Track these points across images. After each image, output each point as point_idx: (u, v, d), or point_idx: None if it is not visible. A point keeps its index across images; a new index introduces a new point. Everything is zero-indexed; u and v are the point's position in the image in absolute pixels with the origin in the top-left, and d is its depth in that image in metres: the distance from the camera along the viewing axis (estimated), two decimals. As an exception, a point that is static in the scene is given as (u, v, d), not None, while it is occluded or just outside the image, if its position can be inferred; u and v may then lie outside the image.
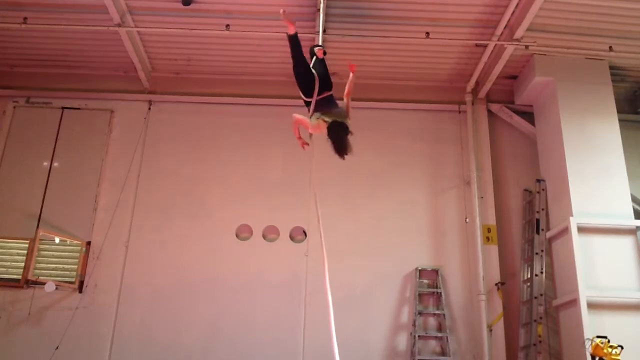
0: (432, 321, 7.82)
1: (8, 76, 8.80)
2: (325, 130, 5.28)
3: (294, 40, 5.61)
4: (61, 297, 7.73)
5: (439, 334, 7.67)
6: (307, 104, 5.58)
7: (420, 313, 7.74)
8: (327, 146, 8.57)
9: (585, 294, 6.89)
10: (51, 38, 8.10)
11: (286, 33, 5.60)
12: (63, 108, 8.71)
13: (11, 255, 7.88)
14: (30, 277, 7.56)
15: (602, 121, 7.84)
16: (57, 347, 7.41)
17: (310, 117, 5.49)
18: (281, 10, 5.67)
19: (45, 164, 8.41)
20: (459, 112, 8.84)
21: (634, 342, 6.62)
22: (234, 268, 7.92)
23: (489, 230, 8.16)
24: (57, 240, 7.94)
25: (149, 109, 8.79)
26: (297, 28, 7.49)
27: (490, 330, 7.65)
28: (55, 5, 7.42)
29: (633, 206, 7.59)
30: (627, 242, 7.30)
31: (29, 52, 8.49)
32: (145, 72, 8.63)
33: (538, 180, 8.25)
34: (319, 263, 7.85)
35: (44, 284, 7.51)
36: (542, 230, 7.96)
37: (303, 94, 5.56)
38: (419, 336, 7.58)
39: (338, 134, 5.17)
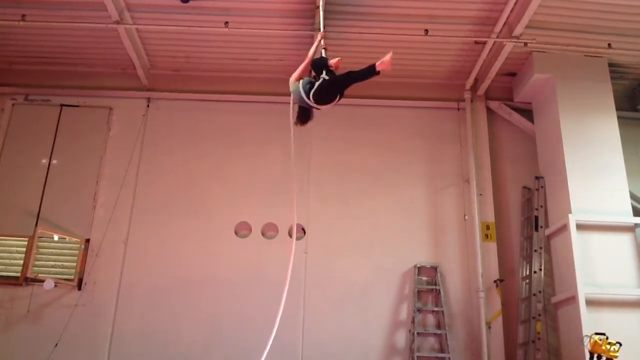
0: (431, 318, 7.84)
1: (6, 74, 8.78)
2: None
3: (370, 76, 5.42)
4: (60, 295, 7.73)
5: (438, 331, 7.69)
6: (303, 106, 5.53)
7: (419, 310, 7.76)
8: (325, 145, 8.65)
9: (583, 291, 6.90)
10: (50, 35, 8.08)
11: (374, 64, 5.32)
12: (62, 105, 8.70)
13: (10, 253, 7.88)
14: (29, 274, 7.57)
15: (601, 118, 7.85)
16: (56, 345, 7.41)
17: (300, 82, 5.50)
18: (389, 56, 5.42)
19: (44, 161, 8.40)
20: (458, 109, 8.84)
21: (633, 339, 6.64)
22: (233, 265, 7.93)
23: (487, 227, 8.17)
24: (56, 237, 7.94)
25: (148, 106, 8.79)
26: (295, 26, 7.51)
27: (489, 327, 7.67)
28: (54, 2, 7.41)
29: (631, 203, 7.61)
30: (626, 239, 7.31)
31: (27, 50, 8.48)
32: (144, 69, 8.61)
33: (537, 178, 8.27)
34: (319, 261, 7.96)
35: (43, 281, 7.52)
36: (541, 227, 7.97)
37: (317, 102, 5.46)
38: (417, 333, 7.60)
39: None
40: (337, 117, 8.59)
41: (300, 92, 5.43)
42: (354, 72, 5.35)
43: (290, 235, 8.10)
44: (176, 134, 8.64)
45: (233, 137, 8.61)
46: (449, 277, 7.99)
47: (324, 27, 6.30)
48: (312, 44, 7.47)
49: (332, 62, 5.57)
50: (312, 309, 7.76)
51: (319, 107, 5.45)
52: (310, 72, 5.61)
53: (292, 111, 5.59)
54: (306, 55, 5.70)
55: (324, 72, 5.50)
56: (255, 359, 7.39)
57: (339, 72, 5.56)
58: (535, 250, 7.90)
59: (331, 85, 5.44)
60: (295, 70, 5.58)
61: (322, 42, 5.85)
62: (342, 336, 7.66)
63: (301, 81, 5.53)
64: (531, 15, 7.04)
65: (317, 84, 5.43)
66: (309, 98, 5.37)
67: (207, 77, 8.87)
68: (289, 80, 5.56)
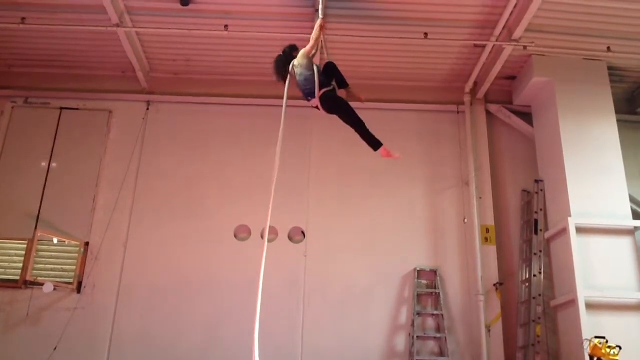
0: (430, 321, 7.83)
1: (6, 76, 8.79)
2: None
3: (367, 141, 5.84)
4: (59, 298, 7.72)
5: (437, 334, 7.67)
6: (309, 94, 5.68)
7: (418, 313, 7.75)
8: (325, 147, 8.65)
9: (583, 294, 6.90)
10: (49, 38, 8.09)
11: (381, 145, 5.87)
12: (61, 108, 8.70)
13: (9, 256, 7.87)
14: (28, 277, 7.55)
15: (600, 121, 7.85)
16: (55, 348, 7.40)
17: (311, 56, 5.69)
18: (396, 155, 5.94)
19: (43, 164, 8.40)
20: (457, 112, 8.85)
21: (632, 342, 6.63)
22: (232, 268, 7.91)
23: (487, 230, 8.17)
24: (55, 240, 7.93)
25: (147, 109, 8.78)
26: (295, 29, 7.53)
27: (489, 331, 7.66)
28: (54, 5, 7.41)
29: (631, 206, 7.60)
30: (625, 242, 7.31)
31: (27, 52, 8.48)
32: (144, 72, 8.62)
33: (536, 181, 8.26)
34: (318, 263, 7.96)
35: (42, 284, 7.50)
36: (541, 230, 7.97)
37: (322, 100, 5.69)
38: (417, 336, 7.58)
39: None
40: (336, 119, 8.57)
41: (314, 74, 5.55)
42: (363, 125, 5.78)
43: (290, 238, 8.09)
44: (176, 137, 8.63)
45: (233, 140, 8.61)
46: (448, 280, 7.99)
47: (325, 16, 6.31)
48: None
49: (359, 96, 5.72)
50: (311, 311, 7.75)
51: (313, 100, 5.55)
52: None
53: (287, 82, 5.71)
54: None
55: (333, 81, 5.66)
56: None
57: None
58: (535, 254, 7.90)
59: (342, 105, 5.62)
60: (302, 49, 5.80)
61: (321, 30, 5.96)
62: (341, 339, 7.65)
63: (317, 66, 5.65)
64: (530, 18, 7.05)
65: (333, 88, 5.70)
66: (319, 89, 5.52)
67: (206, 80, 8.87)
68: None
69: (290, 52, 5.85)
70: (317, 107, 5.71)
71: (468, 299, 7.88)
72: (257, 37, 7.81)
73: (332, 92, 5.68)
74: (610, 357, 6.14)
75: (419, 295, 7.85)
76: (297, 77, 5.65)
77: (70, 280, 7.79)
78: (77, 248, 7.94)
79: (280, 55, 5.91)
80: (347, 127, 8.46)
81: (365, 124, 5.64)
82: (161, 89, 8.85)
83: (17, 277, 7.66)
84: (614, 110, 7.92)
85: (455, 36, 7.75)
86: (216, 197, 8.30)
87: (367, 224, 8.20)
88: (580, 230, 7.25)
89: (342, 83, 5.81)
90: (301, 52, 5.73)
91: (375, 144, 5.62)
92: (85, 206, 8.21)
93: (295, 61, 5.74)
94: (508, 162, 8.70)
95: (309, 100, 5.66)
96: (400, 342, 7.68)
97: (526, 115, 8.67)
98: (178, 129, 8.68)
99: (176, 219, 8.16)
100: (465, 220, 8.25)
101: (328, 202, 8.29)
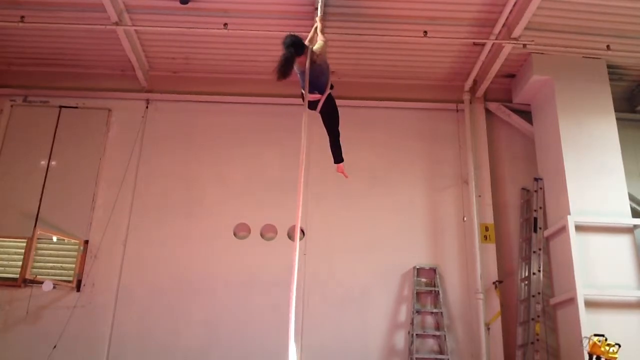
0: (430, 320, 7.83)
1: (5, 75, 8.78)
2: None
3: (333, 150, 6.04)
4: (59, 296, 7.72)
5: (437, 333, 7.68)
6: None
7: (418, 311, 7.75)
8: (325, 146, 8.66)
9: (582, 293, 6.90)
10: (49, 37, 8.08)
11: (341, 162, 6.08)
12: (60, 107, 8.69)
13: (9, 254, 7.87)
14: (27, 276, 7.55)
15: (599, 120, 7.85)
16: (54, 346, 7.40)
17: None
18: (343, 174, 6.20)
19: (42, 162, 8.39)
20: (457, 110, 8.84)
21: (632, 341, 6.64)
22: (232, 267, 7.92)
23: (486, 228, 8.17)
24: (54, 239, 7.93)
25: (147, 107, 8.78)
26: (295, 28, 7.54)
27: (488, 329, 7.67)
28: (53, 3, 7.40)
29: (630, 205, 7.61)
30: (625, 240, 7.31)
31: (26, 51, 8.47)
32: (143, 71, 8.61)
33: (536, 179, 8.27)
34: (318, 262, 7.96)
35: (41, 283, 7.51)
36: (540, 228, 7.97)
37: (326, 101, 5.79)
38: (416, 335, 7.59)
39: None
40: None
41: (328, 70, 5.67)
42: (338, 137, 5.92)
43: (289, 237, 8.09)
44: (175, 136, 8.63)
45: (232, 139, 8.61)
46: (448, 279, 7.99)
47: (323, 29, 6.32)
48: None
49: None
50: (310, 310, 7.75)
51: (316, 95, 5.61)
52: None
53: (308, 64, 5.47)
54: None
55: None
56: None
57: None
58: (534, 252, 7.90)
59: (337, 114, 5.83)
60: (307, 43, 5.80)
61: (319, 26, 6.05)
62: (341, 338, 7.65)
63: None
64: (530, 16, 7.05)
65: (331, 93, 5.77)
66: (330, 87, 5.67)
67: (206, 78, 8.86)
68: (287, 81, 5.59)
69: (302, 45, 5.53)
70: (314, 102, 5.66)
71: (467, 297, 7.88)
72: (256, 36, 7.80)
73: (331, 92, 5.72)
74: (610, 355, 6.15)
75: (418, 294, 7.85)
76: (315, 66, 5.47)
77: (70, 278, 7.79)
78: (77, 246, 7.94)
79: (293, 44, 5.36)
80: (348, 126, 8.51)
81: (336, 135, 5.95)
82: (160, 88, 8.84)
83: (17, 276, 7.65)
84: (613, 109, 7.93)
85: (454, 34, 7.74)
86: (216, 195, 8.30)
87: (366, 223, 8.20)
88: (579, 228, 7.25)
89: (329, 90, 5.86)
90: (323, 43, 5.75)
91: (338, 158, 6.03)
92: (85, 205, 8.21)
93: (316, 48, 5.65)
94: (508, 160, 8.70)
95: (313, 93, 5.59)
96: (400, 340, 7.69)
97: (526, 114, 8.66)
98: (177, 128, 8.68)
99: (176, 217, 8.16)
100: (465, 218, 8.25)
101: (328, 200, 8.29)
